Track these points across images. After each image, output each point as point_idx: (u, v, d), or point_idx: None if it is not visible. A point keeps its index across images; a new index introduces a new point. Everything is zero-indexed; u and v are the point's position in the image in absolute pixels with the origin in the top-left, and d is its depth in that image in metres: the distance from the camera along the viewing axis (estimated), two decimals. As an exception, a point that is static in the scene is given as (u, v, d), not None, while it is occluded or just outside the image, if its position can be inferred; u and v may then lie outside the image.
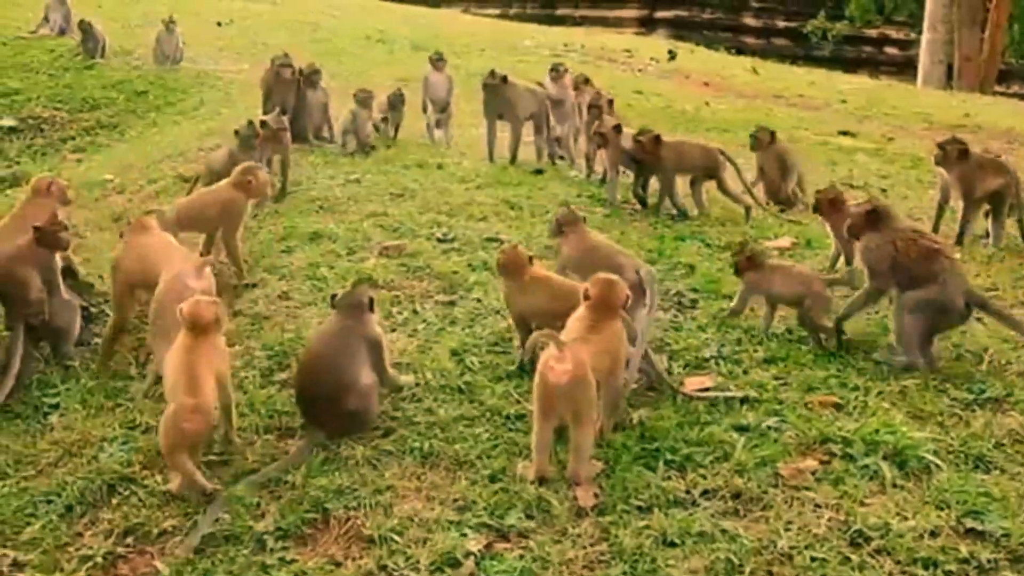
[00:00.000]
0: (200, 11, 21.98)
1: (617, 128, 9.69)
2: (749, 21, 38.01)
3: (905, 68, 32.81)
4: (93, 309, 7.86)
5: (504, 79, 11.09)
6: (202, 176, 9.55)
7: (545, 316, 6.23)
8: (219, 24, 21.42)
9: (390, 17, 25.01)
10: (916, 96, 22.22)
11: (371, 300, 6.13)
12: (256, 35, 20.17)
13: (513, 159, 11.10)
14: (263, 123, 9.80)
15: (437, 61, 12.52)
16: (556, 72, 12.09)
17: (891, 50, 37.63)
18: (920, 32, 30.60)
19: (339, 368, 5.84)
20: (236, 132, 9.60)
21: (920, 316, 6.29)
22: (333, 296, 6.23)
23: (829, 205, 7.83)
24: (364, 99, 11.40)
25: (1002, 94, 28.03)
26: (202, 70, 16.89)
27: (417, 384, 6.30)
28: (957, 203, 9.00)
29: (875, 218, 6.63)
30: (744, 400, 5.95)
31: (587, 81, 12.50)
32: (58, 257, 7.38)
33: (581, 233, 7.06)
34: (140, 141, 13.77)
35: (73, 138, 14.94)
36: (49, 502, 5.61)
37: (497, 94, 11.08)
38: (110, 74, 16.70)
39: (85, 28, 17.48)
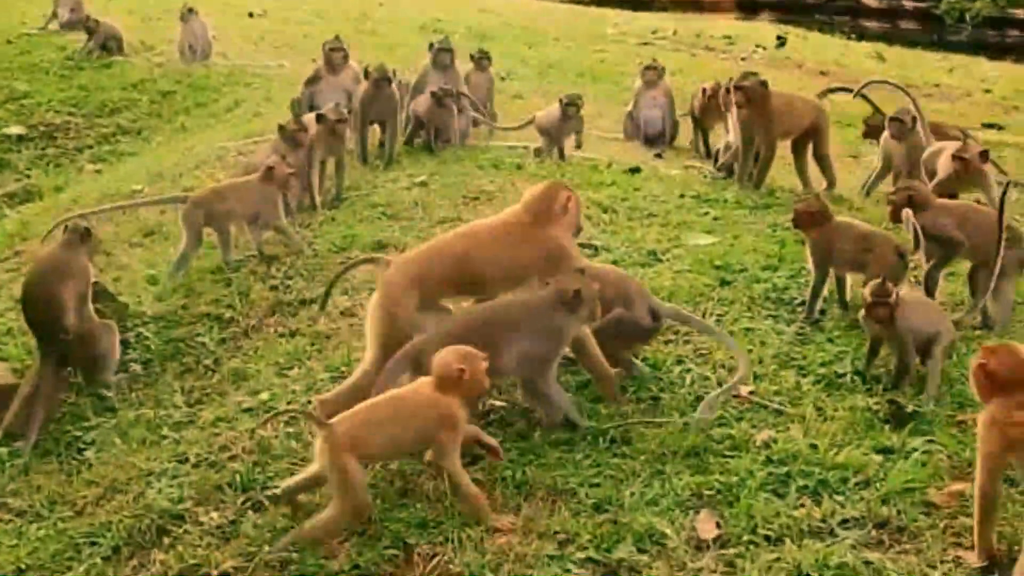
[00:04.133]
0: (230, 1, 22.42)
1: None
2: (870, 2, 37.91)
3: (1059, 54, 32.49)
4: (128, 333, 8.16)
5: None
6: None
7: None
8: (251, 15, 21.79)
9: (446, 4, 25.35)
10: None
11: None
12: (295, 27, 20.54)
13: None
14: (319, 116, 10.10)
15: (481, 60, 13.01)
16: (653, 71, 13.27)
17: (1043, 34, 37.31)
18: (1077, 11, 30.29)
19: None
20: (280, 127, 9.97)
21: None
22: None
23: None
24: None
25: None
26: (236, 66, 17.27)
27: (505, 404, 6.52)
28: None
29: None
30: (886, 420, 6.12)
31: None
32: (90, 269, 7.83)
33: None
34: (169, 148, 14.15)
35: (91, 147, 15.31)
36: (92, 543, 5.90)
37: None
38: (130, 73, 17.08)
39: (91, 28, 17.93)
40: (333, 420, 5.57)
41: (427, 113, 11.70)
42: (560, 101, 11.72)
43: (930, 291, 7.62)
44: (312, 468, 5.66)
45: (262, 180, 9.06)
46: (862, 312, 6.68)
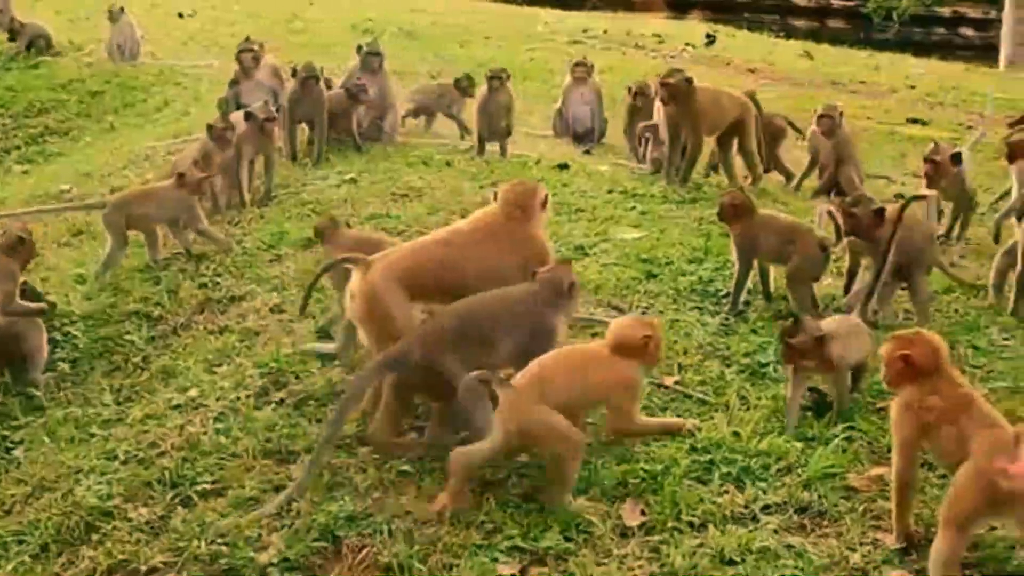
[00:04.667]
0: (159, 1, 22.33)
1: None
2: (799, 0, 38.27)
3: (984, 52, 32.80)
4: (56, 332, 8.13)
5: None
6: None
7: None
8: (181, 16, 21.74)
9: (375, 4, 25.31)
10: (997, 80, 22.42)
11: None
12: (225, 27, 20.47)
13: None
14: (248, 114, 10.13)
15: (467, 88, 13.00)
16: (582, 68, 13.48)
17: (967, 31, 37.75)
18: (1001, 9, 30.64)
19: None
20: (209, 127, 9.99)
21: None
22: None
23: None
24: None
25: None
26: (165, 66, 17.19)
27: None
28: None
29: None
30: (808, 408, 6.24)
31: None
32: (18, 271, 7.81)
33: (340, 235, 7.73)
34: (97, 147, 14.08)
35: (18, 147, 15.23)
36: (20, 542, 5.88)
37: None
38: (59, 73, 17.02)
39: (15, 28, 17.92)
40: (512, 380, 5.66)
41: (339, 107, 11.65)
42: (486, 77, 11.93)
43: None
44: (496, 435, 5.60)
45: (176, 186, 9.06)
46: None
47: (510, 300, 6.22)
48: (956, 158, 9.10)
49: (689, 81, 10.54)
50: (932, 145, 9.61)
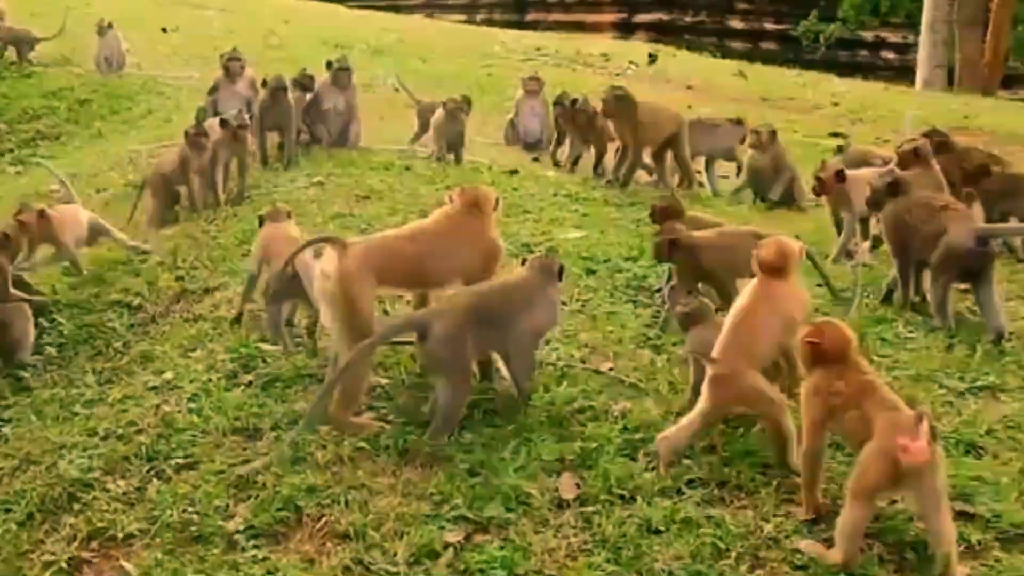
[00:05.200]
0: (144, 17, 22.18)
1: None
2: (735, 24, 38.38)
3: (903, 73, 33.04)
4: (43, 320, 8.14)
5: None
6: (150, 179, 10.01)
7: None
8: (164, 31, 21.62)
9: (346, 22, 25.30)
10: (913, 98, 22.66)
11: None
12: (205, 42, 20.38)
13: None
14: (223, 121, 10.16)
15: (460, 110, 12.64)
16: (534, 82, 13.55)
17: (888, 54, 38.03)
18: (919, 35, 30.90)
19: None
20: (186, 133, 10.01)
21: None
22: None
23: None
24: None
25: (1009, 100, 28.33)
26: (149, 77, 17.13)
27: (389, 381, 6.64)
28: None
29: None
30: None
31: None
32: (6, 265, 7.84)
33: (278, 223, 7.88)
34: (85, 151, 14.02)
35: (12, 150, 15.13)
36: (7, 511, 5.89)
37: None
38: (50, 82, 16.91)
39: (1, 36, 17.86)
40: (714, 353, 5.70)
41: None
42: (443, 104, 11.93)
43: None
44: (704, 407, 5.68)
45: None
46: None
47: (518, 285, 6.37)
48: (840, 175, 9.16)
49: (630, 97, 10.70)
50: (821, 163, 9.74)
